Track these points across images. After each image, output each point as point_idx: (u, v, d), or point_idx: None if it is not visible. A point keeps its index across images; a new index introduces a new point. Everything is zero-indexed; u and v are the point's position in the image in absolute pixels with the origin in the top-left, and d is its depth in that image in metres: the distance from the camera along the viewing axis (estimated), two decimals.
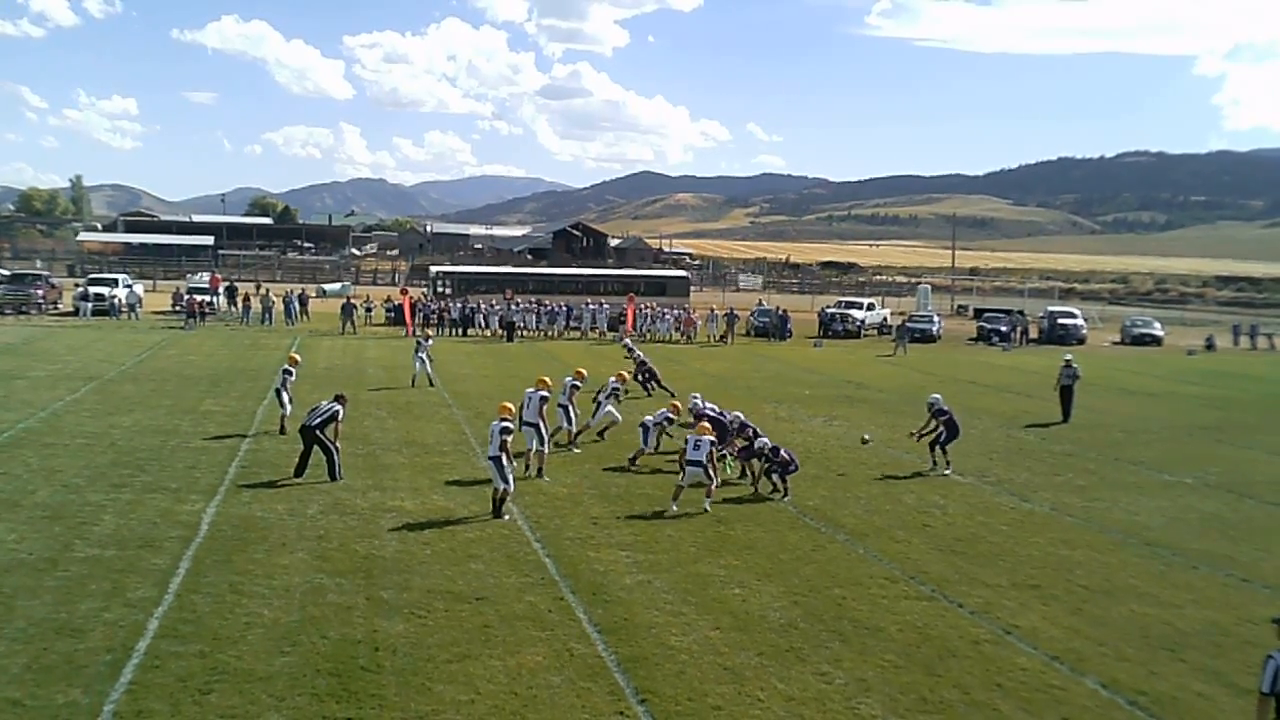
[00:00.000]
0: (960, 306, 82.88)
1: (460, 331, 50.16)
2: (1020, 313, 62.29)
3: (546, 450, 19.37)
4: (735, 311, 54.47)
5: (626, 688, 10.44)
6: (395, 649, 11.10)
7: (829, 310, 60.43)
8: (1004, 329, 57.34)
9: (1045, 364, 44.99)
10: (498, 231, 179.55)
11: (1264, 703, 7.89)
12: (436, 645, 11.26)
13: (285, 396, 22.32)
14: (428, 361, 30.80)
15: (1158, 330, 62.22)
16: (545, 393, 19.13)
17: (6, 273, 61.24)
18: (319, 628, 11.58)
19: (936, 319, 60.32)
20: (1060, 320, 60.72)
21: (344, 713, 9.62)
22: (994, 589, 14.15)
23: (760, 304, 60.37)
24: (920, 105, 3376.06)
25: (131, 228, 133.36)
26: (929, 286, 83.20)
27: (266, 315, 50.70)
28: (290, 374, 22.66)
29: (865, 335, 58.07)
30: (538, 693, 10.22)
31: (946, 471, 21.29)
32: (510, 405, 17.68)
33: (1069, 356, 29.98)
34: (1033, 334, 59.62)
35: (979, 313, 67.62)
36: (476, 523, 16.18)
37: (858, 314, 59.44)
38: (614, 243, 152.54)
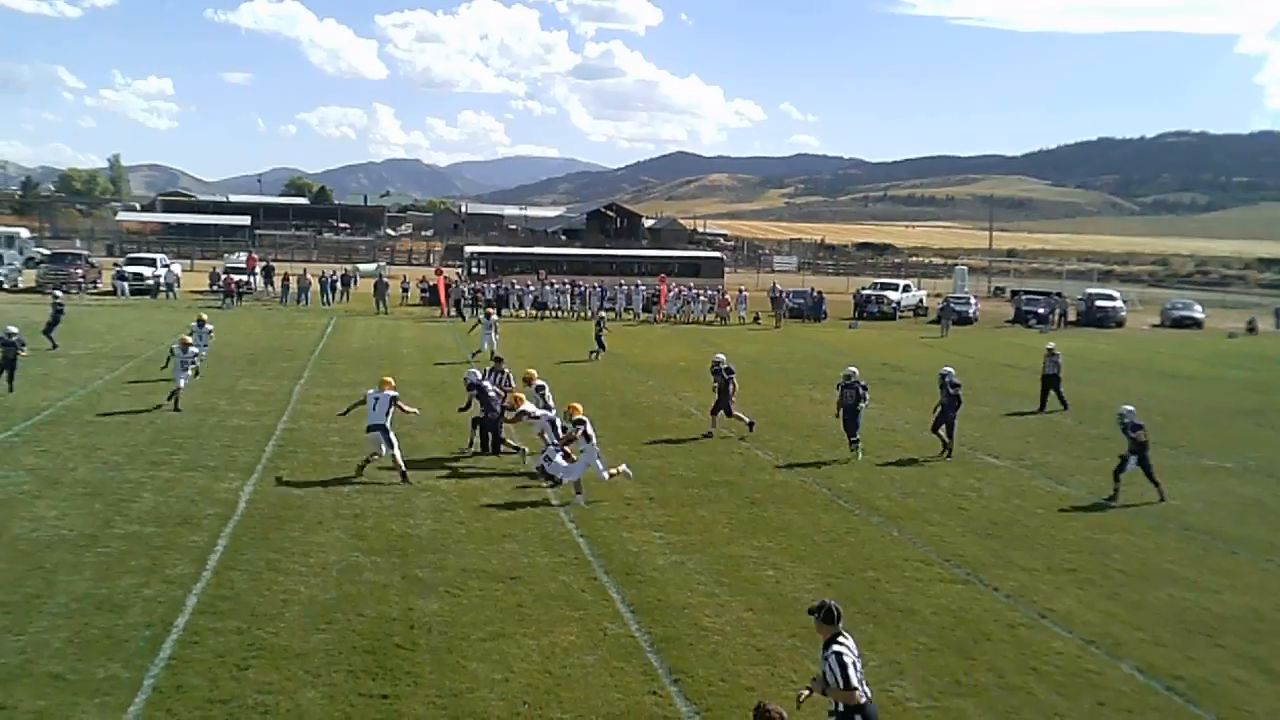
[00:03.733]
0: (997, 288, 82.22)
1: (495, 312, 50.25)
2: (1058, 295, 61.75)
3: (399, 453, 17.42)
4: (781, 288, 54.53)
5: (660, 668, 10.47)
6: (430, 627, 11.18)
7: (865, 291, 60.20)
8: (1042, 311, 56.92)
9: (1084, 347, 44.67)
10: (532, 212, 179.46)
11: (850, 695, 7.50)
12: (471, 624, 11.33)
13: (184, 374, 22.68)
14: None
15: (1198, 313, 61.55)
16: (394, 393, 17.58)
17: (47, 252, 61.96)
18: (355, 605, 11.67)
19: (973, 301, 59.94)
20: (1099, 302, 60.18)
21: (379, 689, 9.70)
22: (1029, 573, 14.07)
23: (774, 286, 59.69)
24: (957, 85, 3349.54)
25: (169, 207, 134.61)
26: (966, 268, 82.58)
27: (303, 295, 51.04)
28: (184, 350, 22.83)
29: (901, 317, 57.78)
30: (571, 672, 10.26)
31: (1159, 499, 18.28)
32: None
33: (1051, 345, 29.00)
34: (1071, 316, 59.12)
35: (1016, 294, 67.10)
36: (510, 502, 16.25)
37: (893, 295, 59.16)
38: (648, 223, 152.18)
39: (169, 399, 22.26)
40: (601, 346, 34.28)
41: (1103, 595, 13.32)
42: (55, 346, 30.02)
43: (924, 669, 10.78)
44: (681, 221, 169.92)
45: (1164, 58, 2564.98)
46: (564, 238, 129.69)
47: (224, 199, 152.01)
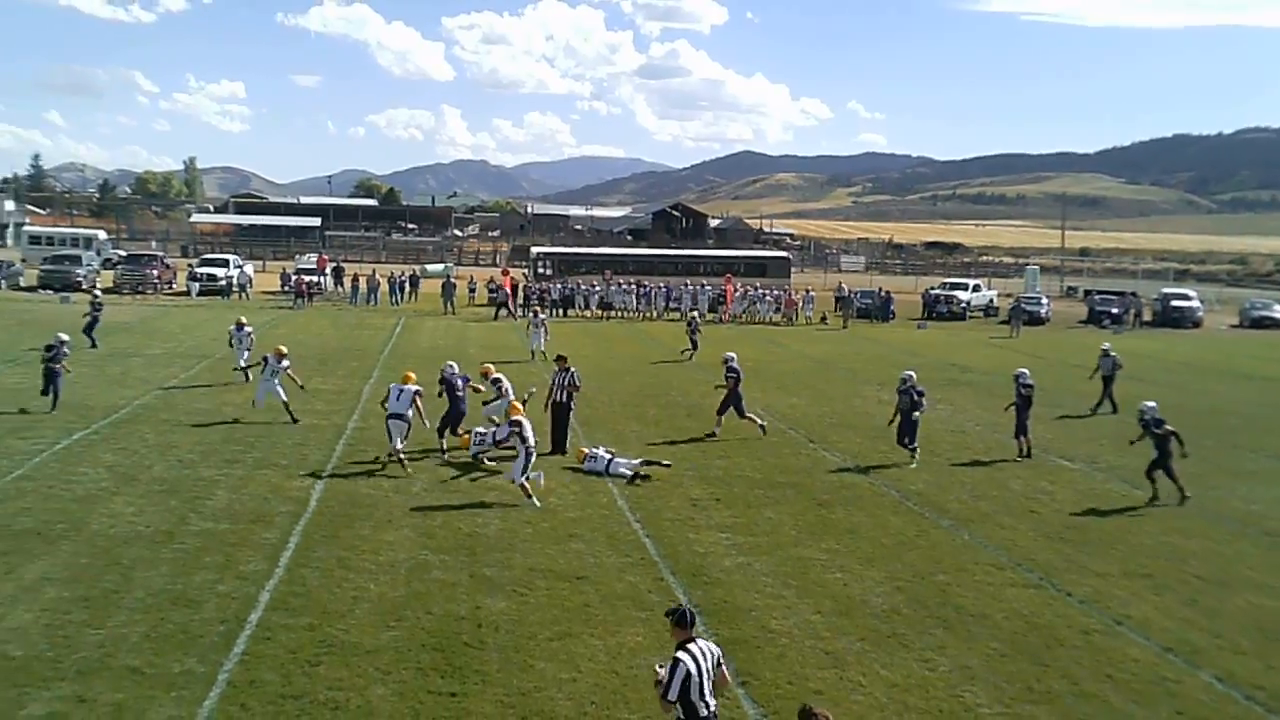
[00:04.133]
0: (1070, 288, 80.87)
1: (561, 312, 50.53)
2: (1133, 294, 60.48)
3: (401, 445, 17.83)
4: (847, 288, 54.18)
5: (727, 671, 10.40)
6: (498, 626, 11.24)
7: (933, 291, 59.46)
8: (1116, 311, 55.85)
9: (1159, 348, 43.84)
10: (598, 212, 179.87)
11: (662, 704, 7.30)
12: (538, 623, 11.37)
13: (277, 385, 21.43)
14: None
15: (1279, 313, 60.01)
16: (416, 388, 17.95)
17: (123, 253, 63.41)
18: (424, 603, 11.78)
19: (1045, 300, 59.03)
20: (1175, 302, 58.89)
21: (448, 687, 9.77)
22: (1104, 578, 13.81)
23: (840, 286, 58.74)
24: (1028, 82, 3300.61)
25: (242, 209, 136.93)
26: (1037, 267, 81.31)
27: (372, 296, 51.64)
28: (279, 360, 21.64)
29: (971, 317, 57.02)
30: (638, 673, 10.24)
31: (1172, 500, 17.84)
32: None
33: (1107, 345, 28.42)
34: (1146, 316, 57.95)
35: (1089, 294, 65.92)
36: (577, 503, 16.29)
37: (963, 295, 58.34)
38: (714, 223, 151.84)
39: (290, 416, 21.42)
40: (694, 346, 34.52)
41: (1180, 601, 13.04)
42: (94, 345, 30.27)
43: (996, 675, 10.63)
44: (747, 221, 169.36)
45: (1242, 52, 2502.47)
46: (630, 238, 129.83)
47: (295, 201, 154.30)
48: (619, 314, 50.82)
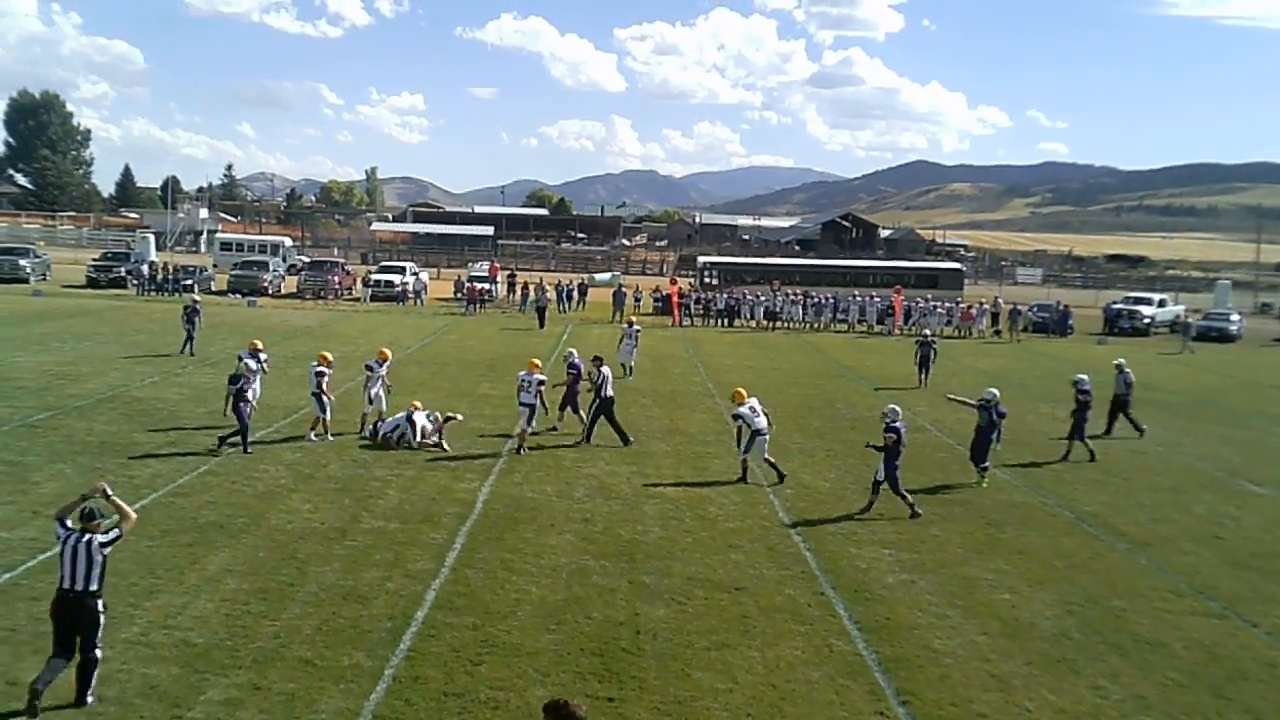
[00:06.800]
0: (1264, 304, 76.85)
1: (726, 322, 50.49)
2: None
3: (529, 429, 20.13)
4: (1001, 303, 52.49)
5: (887, 688, 10.21)
6: (656, 633, 11.26)
7: (1115, 305, 57.17)
8: None
9: None
10: (765, 222, 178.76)
11: None
12: (696, 632, 11.35)
13: (326, 400, 19.97)
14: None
15: None
16: (541, 375, 20.19)
17: (307, 259, 66.30)
18: (583, 608, 11.89)
19: (1237, 317, 56.13)
20: None
21: (605, 692, 9.83)
22: None
23: (996, 300, 56.66)
24: (1223, 88, 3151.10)
25: (419, 218, 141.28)
26: (1229, 282, 77.38)
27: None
28: (324, 373, 19.93)
29: (1156, 333, 54.57)
30: (796, 687, 10.13)
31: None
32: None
33: (1120, 360, 25.38)
34: None
35: None
36: (737, 513, 16.22)
37: (1146, 310, 55.87)
38: (884, 234, 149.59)
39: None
40: (925, 370, 31.68)
41: None
42: (185, 348, 30.20)
43: (1172, 706, 10.13)
44: (919, 232, 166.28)
45: None
46: (798, 248, 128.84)
47: (469, 210, 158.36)
48: (785, 325, 50.46)
